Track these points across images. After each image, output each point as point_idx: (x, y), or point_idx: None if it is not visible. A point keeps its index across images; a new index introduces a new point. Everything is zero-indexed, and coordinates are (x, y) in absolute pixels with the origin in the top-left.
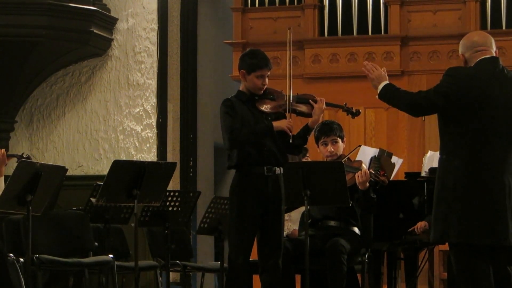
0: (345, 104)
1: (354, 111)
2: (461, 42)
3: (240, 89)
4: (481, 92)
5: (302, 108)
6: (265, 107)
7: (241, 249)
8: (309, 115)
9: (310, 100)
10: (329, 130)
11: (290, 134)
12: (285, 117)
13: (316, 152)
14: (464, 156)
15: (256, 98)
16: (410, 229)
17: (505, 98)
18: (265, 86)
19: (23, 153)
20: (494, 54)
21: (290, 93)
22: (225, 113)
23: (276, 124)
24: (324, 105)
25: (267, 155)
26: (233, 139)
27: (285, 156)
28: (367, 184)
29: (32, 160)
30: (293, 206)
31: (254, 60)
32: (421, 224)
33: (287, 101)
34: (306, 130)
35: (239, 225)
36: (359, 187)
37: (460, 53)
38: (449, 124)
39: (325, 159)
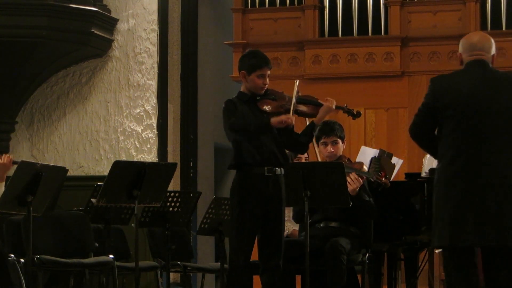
0: (346, 106)
1: (355, 113)
2: (461, 40)
3: (241, 90)
4: (463, 99)
5: (304, 108)
6: (267, 107)
7: (241, 250)
8: (310, 115)
9: (320, 100)
10: (330, 131)
11: (291, 126)
12: None
13: (312, 153)
14: (450, 160)
15: (258, 98)
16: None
17: (490, 101)
18: (266, 86)
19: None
20: (491, 58)
21: (295, 92)
22: (225, 110)
23: (274, 118)
24: (334, 106)
25: (267, 155)
26: (233, 124)
27: (286, 156)
28: (357, 189)
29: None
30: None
31: (254, 60)
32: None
33: (289, 101)
34: (312, 127)
35: (239, 226)
36: (350, 193)
37: (458, 51)
38: (439, 130)
39: (324, 159)
